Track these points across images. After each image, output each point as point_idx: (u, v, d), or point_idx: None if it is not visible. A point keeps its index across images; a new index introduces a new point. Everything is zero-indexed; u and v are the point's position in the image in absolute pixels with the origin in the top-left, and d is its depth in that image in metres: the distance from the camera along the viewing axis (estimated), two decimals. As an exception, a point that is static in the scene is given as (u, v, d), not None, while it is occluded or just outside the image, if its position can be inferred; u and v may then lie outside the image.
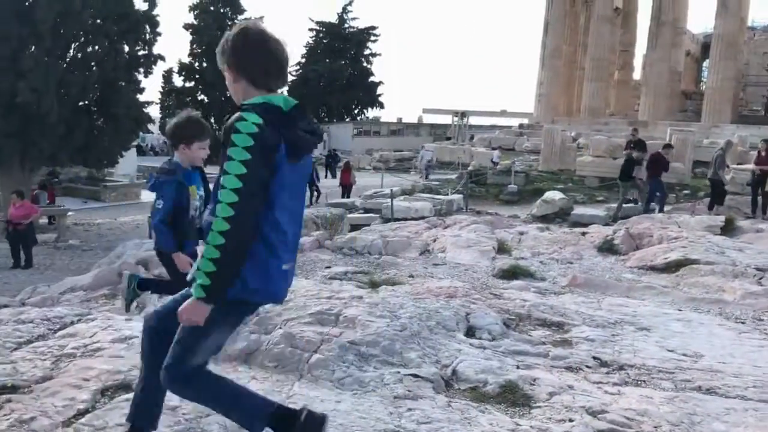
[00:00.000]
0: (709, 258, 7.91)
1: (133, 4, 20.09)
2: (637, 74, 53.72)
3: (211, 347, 2.46)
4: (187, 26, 28.28)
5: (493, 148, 31.60)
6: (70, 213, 20.40)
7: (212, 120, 28.85)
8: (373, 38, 67.15)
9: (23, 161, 18.97)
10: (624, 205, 15.15)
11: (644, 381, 3.79)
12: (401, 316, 4.36)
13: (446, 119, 57.78)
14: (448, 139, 52.41)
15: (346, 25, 66.83)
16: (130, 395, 3.42)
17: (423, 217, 14.85)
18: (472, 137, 52.29)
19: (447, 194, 19.75)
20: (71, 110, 18.54)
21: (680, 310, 5.54)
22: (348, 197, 23.90)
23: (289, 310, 4.46)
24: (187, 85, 28.23)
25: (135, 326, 4.55)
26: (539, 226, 11.95)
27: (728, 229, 11.18)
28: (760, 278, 7.22)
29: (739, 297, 6.51)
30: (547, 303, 5.34)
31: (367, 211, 16.33)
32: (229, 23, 28.85)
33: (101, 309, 5.50)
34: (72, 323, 4.73)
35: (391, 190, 14.98)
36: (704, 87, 50.21)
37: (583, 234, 10.10)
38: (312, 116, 2.42)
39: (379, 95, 68.18)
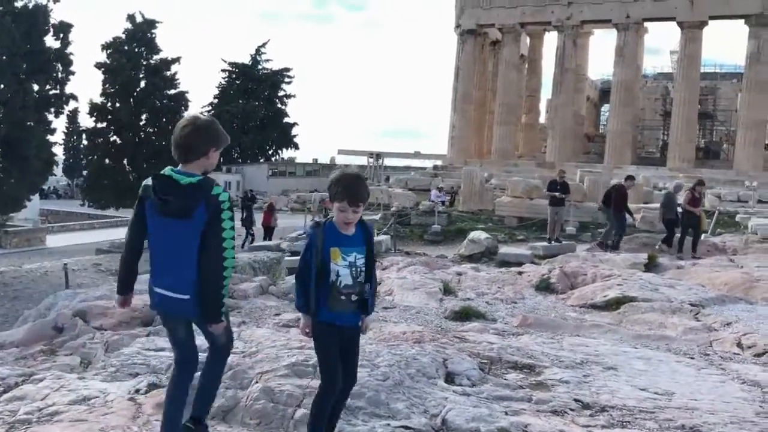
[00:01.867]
0: (645, 295, 8.23)
1: (44, 41, 19.28)
2: (542, 118, 56.28)
3: None
4: (99, 65, 27.32)
5: (439, 188, 32.13)
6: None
7: (125, 162, 27.82)
8: (287, 80, 67.40)
9: None
10: (553, 243, 15.65)
11: (629, 422, 3.83)
12: (380, 365, 4.25)
13: (361, 160, 58.24)
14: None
15: (260, 67, 66.78)
16: (105, 464, 3.15)
17: (354, 259, 14.77)
18: (387, 178, 52.95)
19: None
20: (-26, 151, 17.44)
21: (636, 348, 5.68)
22: (270, 239, 23.50)
23: (262, 363, 4.26)
24: (99, 125, 27.16)
25: (92, 385, 4.23)
26: (473, 266, 12.10)
27: (651, 266, 11.71)
28: (696, 314, 7.56)
29: (681, 332, 6.78)
30: (513, 345, 5.36)
31: (293, 254, 16.07)
32: (144, 63, 28.20)
33: (43, 367, 5.06)
34: (17, 384, 4.33)
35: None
36: (605, 130, 53.18)
37: (520, 273, 10.29)
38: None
39: (294, 136, 68.23)
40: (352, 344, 3.25)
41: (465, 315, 7.05)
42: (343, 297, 3.09)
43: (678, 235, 14.11)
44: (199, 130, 3.03)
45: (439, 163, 52.23)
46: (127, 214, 34.13)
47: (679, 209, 14.30)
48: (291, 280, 8.78)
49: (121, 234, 29.62)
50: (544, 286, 9.45)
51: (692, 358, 5.54)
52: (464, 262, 14.47)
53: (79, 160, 27.95)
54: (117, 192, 25.89)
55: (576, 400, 4.12)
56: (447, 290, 8.55)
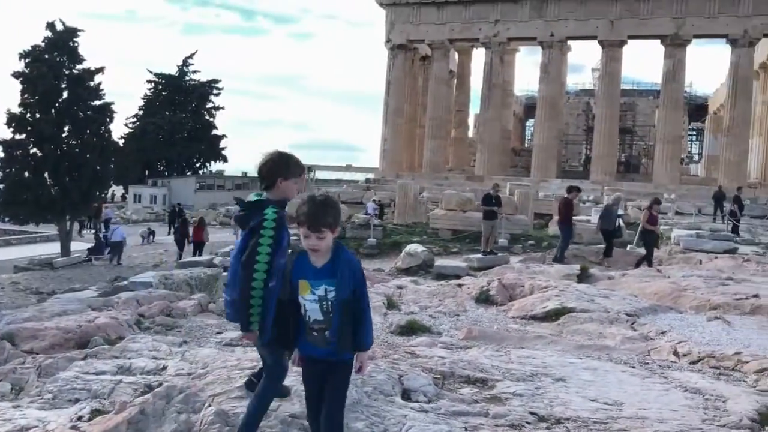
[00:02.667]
0: (582, 306, 8.44)
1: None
2: (471, 132, 57.40)
3: None
4: (17, 74, 26.07)
5: (375, 201, 31.97)
6: None
7: (46, 175, 26.60)
8: (215, 91, 66.30)
9: None
10: (488, 255, 15.89)
11: (585, 433, 3.89)
12: (336, 384, 4.16)
13: (292, 174, 57.64)
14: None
15: (187, 78, 65.47)
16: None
17: (291, 274, 14.59)
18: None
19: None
20: None
21: (581, 359, 5.79)
22: (200, 254, 22.97)
23: (213, 385, 4.11)
24: (18, 137, 25.89)
25: (29, 414, 3.98)
26: (412, 279, 12.15)
27: (583, 276, 12.06)
28: (632, 323, 7.80)
29: (620, 342, 6.97)
30: (463, 359, 5.37)
31: (227, 269, 15.74)
32: (67, 72, 27.06)
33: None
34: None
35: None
36: (531, 144, 54.76)
37: (459, 286, 10.39)
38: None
39: (223, 148, 67.13)
40: (333, 380, 3.08)
41: (411, 329, 7.04)
42: (315, 333, 3.01)
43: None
44: (268, 163, 3.29)
45: (371, 176, 52.38)
46: (49, 229, 32.80)
47: (620, 221, 14.81)
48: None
49: (40, 250, 28.34)
50: (484, 298, 9.57)
51: (634, 367, 5.69)
52: (402, 275, 14.51)
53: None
54: (37, 207, 24.73)
55: (531, 413, 4.15)
56: (390, 304, 8.53)
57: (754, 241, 19.76)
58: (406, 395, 4.33)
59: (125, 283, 13.31)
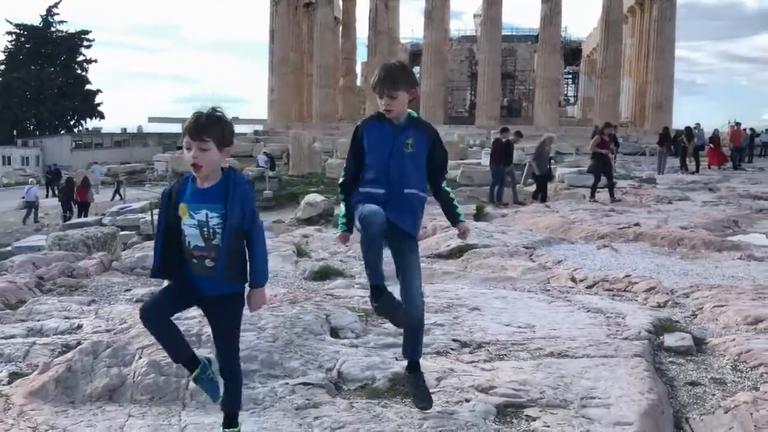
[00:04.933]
0: (483, 242, 8.84)
1: None
2: (359, 81, 57.24)
3: None
4: None
5: (265, 153, 30.78)
6: None
7: None
8: (86, 43, 62.13)
9: None
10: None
11: (505, 354, 4.16)
12: (266, 327, 4.21)
13: (175, 127, 55.48)
14: (179, 148, 50.51)
15: (53, 29, 60.83)
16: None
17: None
18: (205, 146, 51.11)
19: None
20: None
21: (490, 290, 6.12)
22: (86, 216, 21.90)
23: (139, 337, 4.03)
24: None
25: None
26: (316, 228, 12.20)
27: (480, 215, 12.57)
28: (531, 255, 8.28)
29: (521, 273, 7.40)
30: (382, 297, 5.54)
31: (120, 228, 15.16)
32: None
33: None
34: None
35: (150, 203, 14.08)
36: (418, 91, 55.37)
37: (364, 231, 10.55)
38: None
39: (99, 104, 63.37)
40: (223, 315, 2.86)
41: (324, 274, 7.13)
42: (195, 260, 2.74)
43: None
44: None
45: (259, 128, 51.37)
46: None
47: (552, 162, 14.87)
48: (134, 253, 8.31)
49: None
50: (389, 241, 9.78)
51: (537, 294, 6.10)
52: (303, 225, 14.51)
53: None
54: None
55: (454, 340, 4.39)
56: (300, 252, 8.58)
57: (629, 176, 21.22)
58: (335, 333, 4.45)
59: (9, 248, 12.55)
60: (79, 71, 61.89)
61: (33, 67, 57.79)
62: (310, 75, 50.21)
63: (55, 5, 60.94)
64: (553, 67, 44.04)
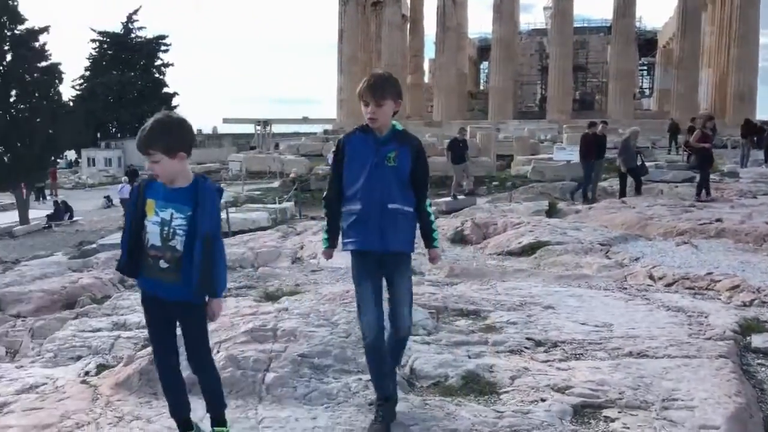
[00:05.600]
0: (557, 239, 8.65)
1: None
2: (427, 78, 57.13)
3: None
4: (-46, 37, 24.95)
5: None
6: None
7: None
8: (163, 48, 64.29)
9: None
10: (459, 198, 16.10)
11: (581, 354, 4.07)
12: (338, 323, 4.26)
13: (248, 128, 56.76)
14: (252, 148, 51.76)
15: (133, 35, 63.27)
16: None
17: (262, 228, 14.58)
18: (276, 145, 52.16)
19: (274, 203, 19.53)
20: None
21: (564, 288, 5.99)
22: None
23: (217, 332, 4.15)
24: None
25: (35, 372, 3.99)
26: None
27: (552, 212, 12.32)
28: (606, 252, 8.05)
29: (596, 270, 7.21)
30: (453, 294, 5.52)
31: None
32: (9, 33, 25.85)
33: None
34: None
35: (226, 202, 14.45)
36: (486, 87, 54.83)
37: (434, 228, 10.51)
38: None
39: (175, 107, 65.34)
40: (188, 324, 2.81)
41: (394, 271, 7.14)
42: (150, 259, 2.69)
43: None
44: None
45: (329, 127, 51.94)
46: (5, 198, 31.82)
47: (641, 156, 14.22)
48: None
49: (-3, 220, 27.50)
50: (459, 238, 9.72)
51: (614, 292, 5.93)
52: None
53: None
54: (-10, 176, 24.00)
55: (528, 339, 4.32)
56: (370, 249, 8.62)
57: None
58: (407, 330, 4.44)
59: (94, 246, 13.14)
60: (157, 75, 64.16)
61: (114, 73, 60.26)
62: (378, 73, 50.35)
63: (135, 12, 63.45)
64: (627, 58, 42.72)
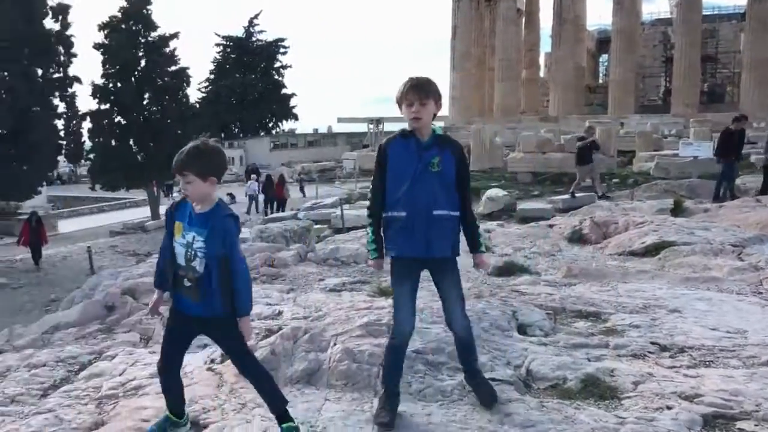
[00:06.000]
0: (683, 239, 8.18)
1: (44, 25, 19.00)
2: (543, 72, 55.76)
3: None
4: (98, 46, 26.95)
5: None
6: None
7: (131, 142, 27.63)
8: (282, 50, 66.63)
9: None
10: (578, 195, 15.59)
11: (712, 361, 3.82)
12: (452, 321, 4.23)
13: (361, 127, 57.73)
14: (366, 146, 52.64)
15: (254, 39, 66.01)
16: (204, 432, 3.15)
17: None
18: (389, 143, 52.71)
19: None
20: (-15, 141, 17.39)
21: (692, 290, 5.66)
22: (283, 210, 23.51)
23: (334, 325, 4.24)
24: (103, 107, 26.96)
25: (167, 359, 4.22)
26: (498, 223, 12.08)
27: (677, 211, 11.67)
28: (739, 254, 7.52)
29: (727, 273, 6.74)
30: (571, 295, 5.35)
31: (314, 222, 16.09)
32: (143, 40, 27.76)
33: (104, 345, 5.06)
34: (90, 362, 4.34)
35: (340, 199, 14.77)
36: (606, 80, 52.73)
37: (550, 226, 10.26)
38: None
39: (293, 107, 67.72)
40: (217, 338, 3.05)
41: (509, 270, 7.02)
42: (177, 278, 2.89)
43: None
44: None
45: (441, 125, 51.90)
46: (138, 195, 34.21)
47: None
48: (326, 246, 8.78)
49: (131, 215, 29.64)
50: (578, 238, 9.41)
51: (748, 297, 5.53)
52: (484, 220, 14.44)
53: (80, 145, 27.80)
54: (126, 173, 25.82)
55: (652, 343, 4.11)
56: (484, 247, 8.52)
57: None
58: (522, 330, 4.36)
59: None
60: (276, 77, 66.60)
61: (237, 75, 63.18)
62: (492, 69, 49.71)
63: (255, 16, 66.18)
64: (762, 46, 39.70)
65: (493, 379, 3.58)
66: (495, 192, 16.62)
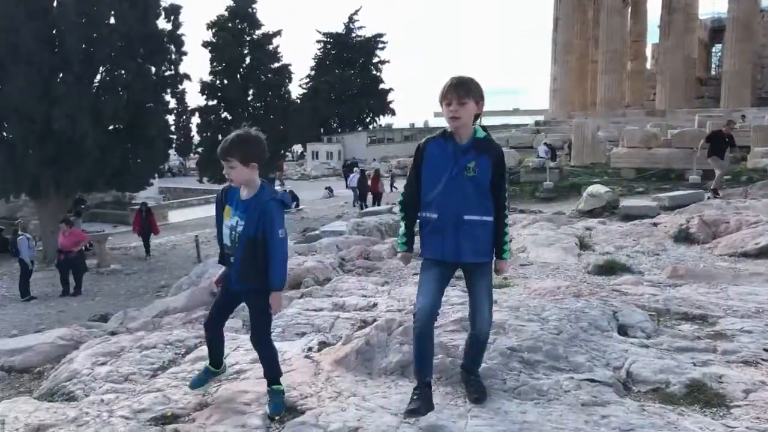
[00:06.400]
0: (804, 240, 7.66)
1: (157, 25, 20.08)
2: (649, 64, 53.43)
3: None
4: (206, 44, 28.26)
5: (546, 144, 30.81)
6: (110, 237, 20.33)
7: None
8: (380, 46, 67.26)
9: (58, 189, 18.92)
10: (682, 192, 14.86)
11: (834, 371, 3.56)
12: (549, 319, 4.15)
13: (454, 121, 57.06)
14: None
15: (353, 35, 66.98)
16: (301, 418, 3.24)
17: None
18: (486, 137, 52.10)
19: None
20: (104, 135, 18.54)
21: (812, 296, 5.28)
22: (378, 205, 23.76)
23: (428, 319, 4.25)
24: (210, 103, 28.24)
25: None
26: (599, 220, 11.71)
27: (796, 211, 10.90)
28: None
29: None
30: (676, 296, 5.13)
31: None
32: (248, 38, 28.80)
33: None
34: (196, 346, 4.56)
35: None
36: (719, 72, 49.87)
37: (655, 225, 9.86)
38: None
39: (390, 102, 68.25)
40: (250, 307, 3.32)
41: (610, 268, 6.81)
42: (226, 255, 3.25)
43: None
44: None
45: (540, 118, 50.78)
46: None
47: None
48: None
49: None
50: (684, 237, 9.00)
51: None
52: (585, 217, 14.03)
53: (189, 139, 29.23)
54: (230, 166, 26.80)
55: (766, 350, 3.87)
56: (583, 245, 8.31)
57: None
58: (623, 331, 4.21)
59: (317, 232, 14.16)
60: (374, 72, 67.33)
61: (336, 71, 64.34)
62: (595, 61, 48.08)
63: (355, 13, 67.13)
64: None
65: (592, 380, 3.49)
66: (597, 188, 16.11)
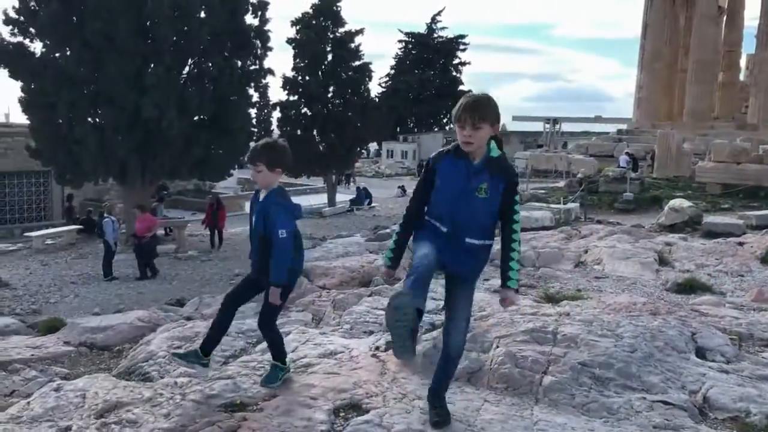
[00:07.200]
0: None
1: (245, 20, 20.62)
2: (743, 75, 51.05)
3: None
4: (290, 40, 28.85)
5: (628, 154, 29.99)
6: (189, 224, 21.05)
7: (314, 132, 29.28)
8: (461, 47, 66.86)
9: (144, 175, 19.71)
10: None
11: None
12: (623, 335, 4.04)
13: (537, 126, 56.35)
14: (540, 146, 51.34)
15: (435, 36, 66.86)
16: (365, 417, 3.27)
17: (544, 227, 14.39)
18: (564, 144, 51.07)
19: (558, 203, 19.16)
20: (189, 125, 19.19)
21: None
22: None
23: (497, 327, 4.22)
24: (291, 98, 28.85)
25: (335, 341, 4.44)
26: (681, 236, 11.29)
27: None
28: None
29: None
30: (761, 321, 4.88)
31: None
32: (330, 36, 29.22)
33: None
34: (267, 337, 4.66)
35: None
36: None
37: (740, 244, 9.42)
38: None
39: (467, 104, 67.70)
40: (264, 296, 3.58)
41: (690, 287, 6.56)
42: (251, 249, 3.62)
43: None
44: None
45: (622, 127, 49.28)
46: (316, 182, 36.11)
47: None
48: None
49: (311, 200, 31.36)
50: (773, 259, 8.56)
51: None
52: (664, 231, 13.54)
53: (270, 133, 29.92)
54: (307, 161, 27.33)
55: None
56: (662, 261, 8.03)
57: None
58: (701, 354, 4.06)
59: (387, 230, 14.22)
60: (454, 73, 67.03)
61: (416, 71, 64.40)
62: (684, 70, 46.23)
63: (439, 13, 67.02)
64: None
65: (665, 402, 3.38)
66: (679, 202, 15.52)
